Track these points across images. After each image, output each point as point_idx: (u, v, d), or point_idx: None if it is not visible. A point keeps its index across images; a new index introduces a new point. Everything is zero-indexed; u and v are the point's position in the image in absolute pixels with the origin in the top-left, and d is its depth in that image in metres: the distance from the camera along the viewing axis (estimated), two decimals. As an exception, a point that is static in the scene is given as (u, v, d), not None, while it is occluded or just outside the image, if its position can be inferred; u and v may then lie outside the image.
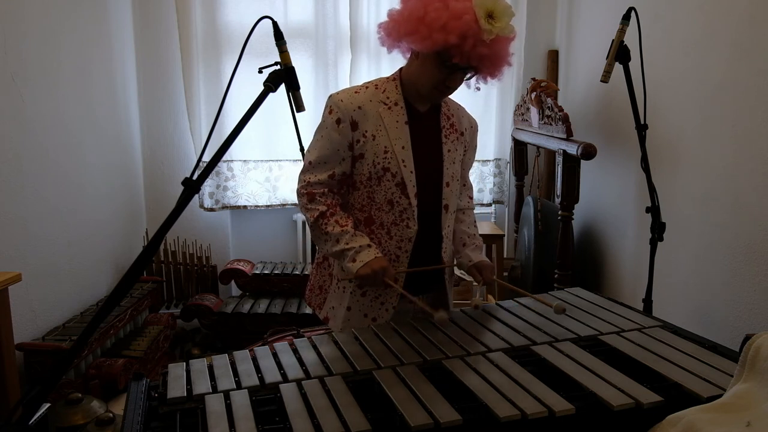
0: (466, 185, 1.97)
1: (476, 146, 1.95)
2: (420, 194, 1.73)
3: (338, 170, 1.72)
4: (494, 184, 4.03)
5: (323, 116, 1.73)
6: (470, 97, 1.79)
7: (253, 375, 1.34)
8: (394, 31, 1.66)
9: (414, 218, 1.73)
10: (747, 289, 2.17)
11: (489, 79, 1.73)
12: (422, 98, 1.76)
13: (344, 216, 1.72)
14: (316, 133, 1.75)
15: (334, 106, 1.71)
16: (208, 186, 3.68)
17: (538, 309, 1.73)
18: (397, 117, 1.72)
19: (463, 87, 1.74)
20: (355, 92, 1.74)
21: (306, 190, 1.72)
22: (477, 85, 1.77)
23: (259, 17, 1.51)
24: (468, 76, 1.71)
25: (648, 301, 2.31)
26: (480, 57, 1.61)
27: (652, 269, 2.29)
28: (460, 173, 1.88)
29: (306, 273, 3.56)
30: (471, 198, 2.00)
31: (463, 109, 1.90)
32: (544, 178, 3.88)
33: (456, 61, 1.61)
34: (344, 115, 1.69)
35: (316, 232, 1.73)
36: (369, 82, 1.80)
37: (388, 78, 1.78)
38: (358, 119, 1.70)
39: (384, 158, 1.70)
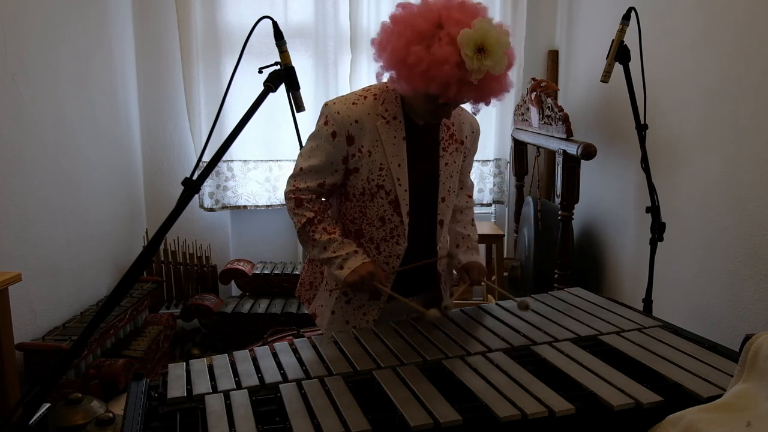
0: (465, 185, 1.92)
1: (476, 150, 1.90)
2: (413, 211, 1.69)
3: (329, 180, 1.69)
4: (494, 184, 4.03)
5: (318, 125, 1.67)
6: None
7: (253, 375, 1.34)
8: (379, 60, 1.58)
9: (404, 236, 1.70)
10: (747, 289, 2.17)
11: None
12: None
13: (332, 223, 1.70)
14: (309, 139, 1.70)
15: (330, 117, 1.64)
16: (208, 186, 3.68)
17: (539, 309, 1.74)
18: (395, 132, 1.65)
19: None
20: (353, 103, 1.66)
21: (294, 195, 1.70)
22: (474, 111, 1.73)
23: (259, 17, 1.51)
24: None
25: (648, 301, 2.31)
26: (467, 98, 1.57)
27: (652, 269, 2.29)
28: (459, 179, 1.83)
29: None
30: (470, 197, 1.94)
31: (465, 113, 1.83)
32: (544, 178, 3.88)
33: (441, 102, 1.55)
34: (340, 129, 1.63)
35: (303, 237, 1.72)
36: (368, 89, 1.71)
37: (387, 87, 1.69)
38: (355, 133, 1.64)
39: (379, 175, 1.65)
